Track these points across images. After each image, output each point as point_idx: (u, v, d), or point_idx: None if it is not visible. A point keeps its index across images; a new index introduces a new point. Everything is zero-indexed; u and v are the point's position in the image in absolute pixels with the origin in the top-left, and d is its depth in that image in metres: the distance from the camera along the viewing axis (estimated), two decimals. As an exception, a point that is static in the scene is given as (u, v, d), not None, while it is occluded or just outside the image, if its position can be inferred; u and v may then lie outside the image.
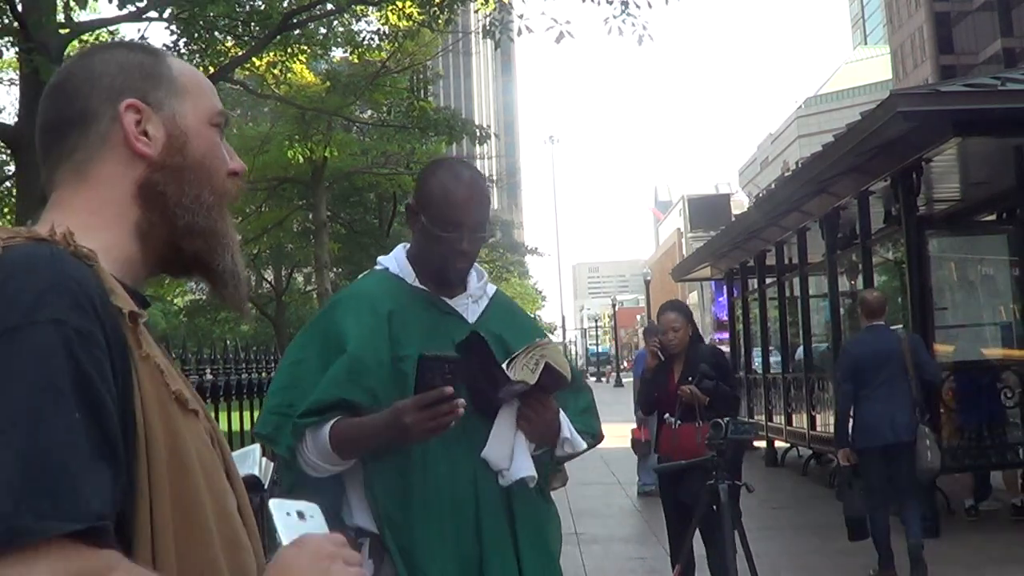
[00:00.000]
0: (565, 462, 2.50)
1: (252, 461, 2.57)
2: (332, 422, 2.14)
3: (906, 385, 6.55)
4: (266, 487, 2.54)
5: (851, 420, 6.59)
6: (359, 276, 2.43)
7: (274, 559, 1.06)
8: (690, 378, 5.47)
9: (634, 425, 10.84)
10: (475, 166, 2.55)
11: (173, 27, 11.80)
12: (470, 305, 2.34)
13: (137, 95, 1.15)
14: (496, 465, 2.21)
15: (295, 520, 1.10)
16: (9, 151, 12.65)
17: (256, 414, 5.47)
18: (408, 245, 2.40)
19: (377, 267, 2.40)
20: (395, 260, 2.37)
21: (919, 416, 6.55)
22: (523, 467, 2.22)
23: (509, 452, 2.21)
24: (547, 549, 2.32)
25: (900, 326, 9.73)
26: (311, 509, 1.12)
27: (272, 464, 2.21)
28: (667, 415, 5.54)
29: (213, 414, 4.00)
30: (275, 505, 1.11)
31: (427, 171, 2.39)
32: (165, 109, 1.16)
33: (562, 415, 2.32)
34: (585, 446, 2.41)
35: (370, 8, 14.11)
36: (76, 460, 0.90)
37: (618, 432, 15.59)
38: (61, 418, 0.90)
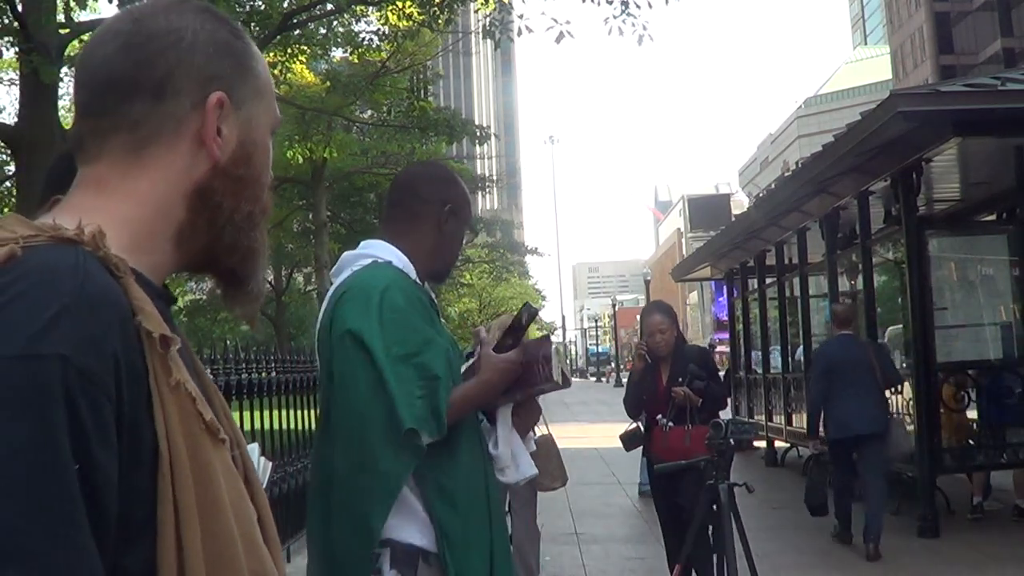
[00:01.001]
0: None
1: (251, 461, 2.57)
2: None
3: (873, 385, 7.52)
4: (265, 487, 2.54)
5: (822, 415, 7.66)
6: (362, 265, 2.35)
7: None
8: (680, 379, 5.47)
9: (632, 425, 10.86)
10: None
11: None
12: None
13: (224, 87, 1.02)
14: (502, 463, 2.30)
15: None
16: (9, 151, 12.65)
17: (256, 414, 5.47)
18: (383, 243, 2.40)
19: (377, 260, 2.36)
20: (394, 255, 2.36)
21: (886, 409, 7.72)
22: (528, 465, 2.34)
23: (511, 451, 2.31)
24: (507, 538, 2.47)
25: (900, 326, 9.75)
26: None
27: (271, 464, 2.20)
28: (659, 416, 5.50)
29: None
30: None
31: (456, 177, 2.54)
32: (244, 111, 1.04)
33: None
34: (534, 449, 2.65)
35: (370, 8, 14.12)
36: (62, 524, 0.79)
37: (618, 432, 15.55)
38: (45, 483, 0.78)
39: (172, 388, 0.90)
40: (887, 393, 7.95)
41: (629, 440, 5.93)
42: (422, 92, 20.70)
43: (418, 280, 2.37)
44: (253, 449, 2.69)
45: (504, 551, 2.28)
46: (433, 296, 2.43)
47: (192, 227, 1.02)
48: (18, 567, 0.76)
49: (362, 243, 2.44)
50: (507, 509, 5.54)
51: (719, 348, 26.95)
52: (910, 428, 8.24)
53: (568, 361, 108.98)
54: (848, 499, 7.65)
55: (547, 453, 5.66)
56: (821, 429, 7.73)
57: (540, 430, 5.92)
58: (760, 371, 14.41)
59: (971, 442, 8.74)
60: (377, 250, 2.38)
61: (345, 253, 2.45)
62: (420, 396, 2.12)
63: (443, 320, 2.44)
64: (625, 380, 10.64)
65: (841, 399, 7.41)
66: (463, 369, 2.33)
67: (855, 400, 7.36)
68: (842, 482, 7.70)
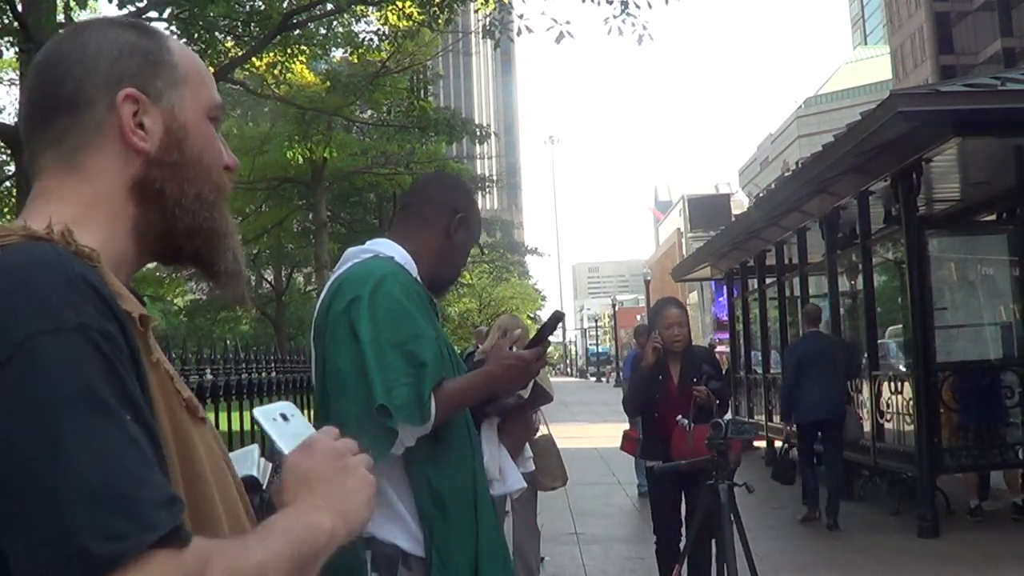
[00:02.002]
0: None
1: (251, 462, 2.56)
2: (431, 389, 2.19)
3: (835, 376, 8.79)
4: (265, 487, 2.54)
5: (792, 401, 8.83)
6: (363, 259, 2.34)
7: (286, 470, 1.06)
8: (694, 379, 5.41)
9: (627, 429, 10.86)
10: None
11: (173, 27, 11.80)
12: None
13: (135, 84, 1.07)
14: (489, 475, 2.31)
15: (282, 424, 1.11)
16: (9, 151, 12.65)
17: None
18: (389, 240, 2.40)
19: (379, 255, 2.36)
20: (396, 252, 2.36)
21: (846, 399, 9.02)
22: (515, 480, 2.36)
23: (497, 464, 2.34)
24: (507, 547, 2.44)
25: (900, 326, 9.75)
26: (289, 408, 1.13)
27: (271, 464, 2.20)
28: (679, 417, 5.33)
29: (213, 414, 4.00)
30: (260, 414, 1.11)
31: (465, 188, 2.56)
32: (164, 101, 1.09)
33: None
34: (533, 468, 2.66)
35: (370, 8, 14.11)
36: (141, 465, 0.86)
37: (618, 432, 15.55)
38: (113, 428, 0.86)
39: (153, 364, 0.96)
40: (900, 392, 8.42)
41: (646, 448, 5.70)
42: (422, 92, 20.68)
43: (419, 279, 2.36)
44: (253, 450, 2.69)
45: (494, 555, 2.26)
46: (433, 298, 2.43)
47: (145, 219, 1.07)
48: (123, 515, 0.83)
49: (368, 241, 2.45)
50: (507, 509, 5.55)
51: (719, 348, 26.97)
52: (909, 428, 8.38)
53: (568, 361, 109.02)
54: (813, 479, 8.76)
55: (547, 453, 5.67)
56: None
57: (540, 430, 5.91)
58: (760, 371, 14.41)
59: (967, 442, 8.74)
60: (381, 247, 2.38)
61: (349, 248, 2.44)
62: (405, 383, 2.12)
63: (442, 321, 2.43)
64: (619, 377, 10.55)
65: (807, 388, 8.59)
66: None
67: (819, 389, 8.55)
68: (806, 459, 8.87)
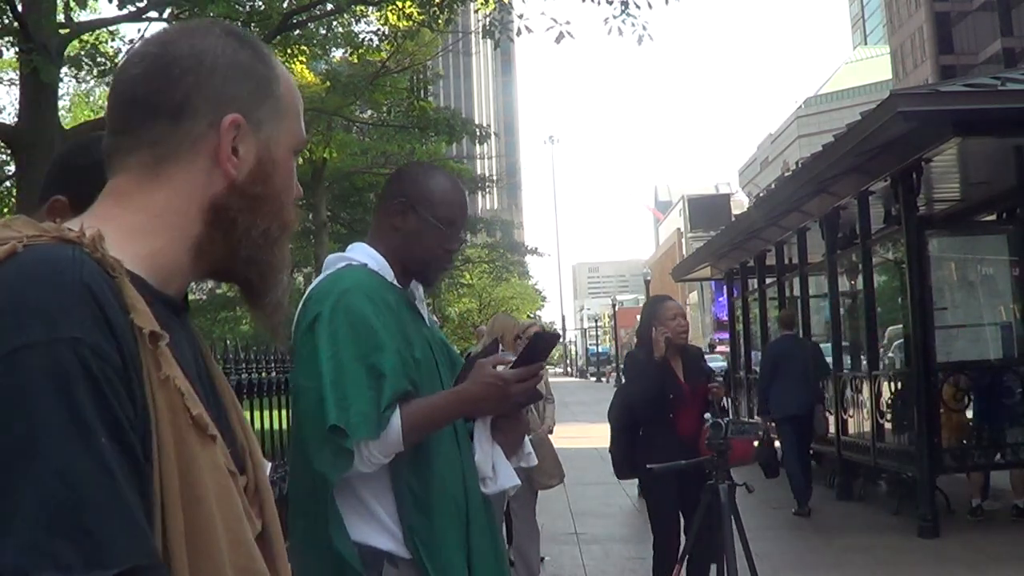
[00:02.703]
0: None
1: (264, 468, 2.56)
2: (398, 409, 2.13)
3: (806, 376, 9.54)
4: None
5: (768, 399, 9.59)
6: (336, 268, 2.33)
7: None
8: (704, 376, 5.35)
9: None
10: None
11: (173, 27, 11.79)
12: (423, 309, 2.39)
13: (241, 109, 1.06)
14: (481, 473, 2.27)
15: None
16: (9, 151, 12.64)
17: (256, 414, 5.47)
18: (362, 244, 2.38)
19: (352, 263, 2.34)
20: (371, 258, 2.33)
21: (815, 398, 9.79)
22: (508, 477, 2.29)
23: (491, 462, 2.27)
24: (502, 550, 2.41)
25: (901, 326, 9.75)
26: None
27: (270, 464, 2.20)
28: (707, 415, 5.06)
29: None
30: None
31: (422, 171, 2.45)
32: (263, 132, 1.09)
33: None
34: (536, 462, 2.54)
35: (370, 8, 14.11)
36: (109, 496, 0.84)
37: (618, 432, 15.36)
38: (88, 452, 0.83)
39: (161, 382, 0.93)
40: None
41: (660, 453, 5.22)
42: (422, 92, 20.70)
43: (397, 283, 2.32)
44: None
45: (487, 556, 2.24)
46: (418, 298, 2.37)
47: (209, 240, 1.06)
48: (74, 544, 0.81)
49: (349, 247, 2.43)
50: (505, 511, 5.55)
51: (719, 348, 26.96)
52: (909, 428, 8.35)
53: (568, 362, 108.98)
54: (799, 475, 9.15)
55: (542, 452, 5.66)
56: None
57: (538, 426, 5.90)
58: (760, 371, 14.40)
59: (967, 441, 8.74)
60: (355, 253, 2.36)
61: (329, 256, 2.43)
62: (363, 398, 2.09)
63: (436, 320, 2.40)
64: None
65: (780, 385, 9.40)
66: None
67: (791, 386, 9.33)
68: (789, 452, 9.29)
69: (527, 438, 2.40)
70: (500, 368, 2.18)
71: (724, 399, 5.38)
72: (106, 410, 0.86)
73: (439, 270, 2.38)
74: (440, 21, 13.64)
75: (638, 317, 6.80)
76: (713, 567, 5.01)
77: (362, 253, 2.35)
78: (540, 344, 2.23)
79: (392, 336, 2.18)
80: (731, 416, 5.17)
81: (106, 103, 1.14)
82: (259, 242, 1.09)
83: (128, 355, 0.90)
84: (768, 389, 9.59)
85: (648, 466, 5.32)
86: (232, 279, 1.14)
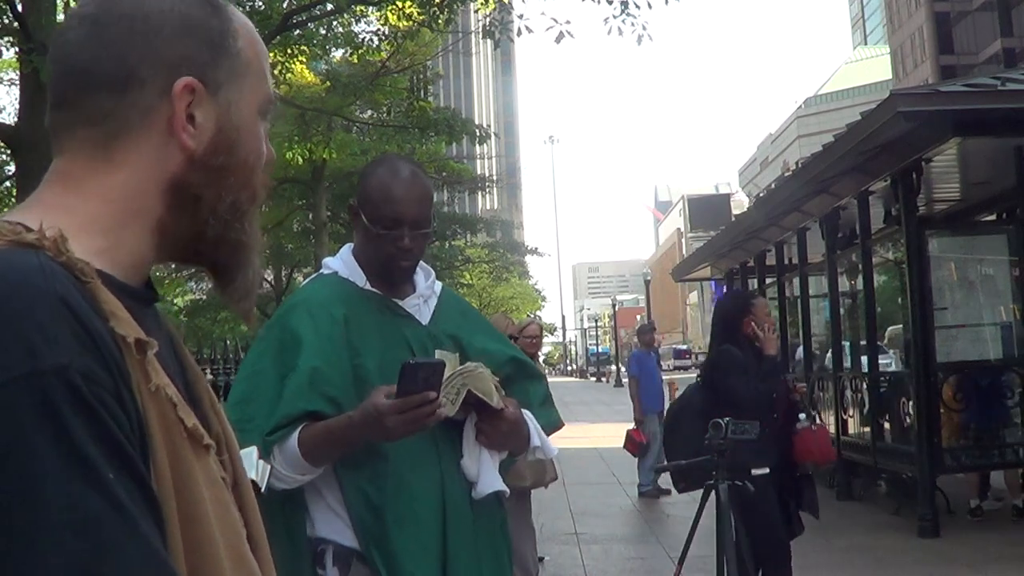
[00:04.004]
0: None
1: (249, 465, 2.56)
2: (298, 430, 2.11)
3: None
4: (264, 489, 2.54)
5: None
6: (306, 280, 2.35)
7: None
8: (784, 374, 5.14)
9: (631, 426, 10.88)
10: (417, 162, 2.46)
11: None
12: (421, 306, 2.32)
13: (196, 71, 0.94)
14: (469, 476, 2.22)
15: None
16: (9, 151, 12.64)
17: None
18: (351, 245, 2.36)
19: (325, 270, 2.35)
20: (343, 263, 2.32)
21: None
22: (490, 482, 2.23)
23: (477, 466, 2.22)
24: (502, 555, 2.32)
25: (900, 326, 9.76)
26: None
27: (269, 467, 2.19)
28: (801, 416, 4.87)
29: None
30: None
31: (367, 168, 2.36)
32: (221, 95, 0.96)
33: (531, 421, 2.33)
34: (556, 452, 2.49)
35: (370, 8, 14.11)
36: (124, 535, 0.75)
37: (618, 432, 15.53)
38: (96, 490, 0.75)
39: (152, 394, 0.85)
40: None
41: (759, 454, 4.75)
42: (422, 92, 20.70)
43: (369, 286, 2.28)
44: (251, 452, 2.70)
45: (470, 563, 2.19)
46: (418, 293, 2.31)
47: (173, 222, 0.96)
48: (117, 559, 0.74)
49: (341, 249, 2.43)
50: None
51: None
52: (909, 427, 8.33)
53: (571, 360, 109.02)
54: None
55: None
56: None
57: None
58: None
59: (966, 441, 8.74)
60: (335, 258, 2.37)
61: (325, 259, 2.44)
62: (263, 416, 2.11)
63: (430, 323, 2.31)
64: (625, 381, 10.48)
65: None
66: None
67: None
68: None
69: (535, 433, 2.32)
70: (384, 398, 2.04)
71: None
72: (108, 441, 0.77)
73: (398, 269, 2.25)
74: (440, 21, 13.63)
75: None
76: (713, 568, 5.00)
77: (336, 260, 2.35)
78: (414, 374, 2.02)
79: (319, 352, 2.14)
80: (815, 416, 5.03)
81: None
82: (226, 217, 0.98)
83: (116, 370, 0.81)
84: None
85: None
86: (199, 262, 1.02)
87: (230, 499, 0.95)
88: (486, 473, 2.23)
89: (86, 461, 0.75)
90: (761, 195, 13.81)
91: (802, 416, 4.90)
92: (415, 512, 2.14)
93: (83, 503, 0.74)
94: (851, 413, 10.15)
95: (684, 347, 78.34)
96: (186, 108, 0.93)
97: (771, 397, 4.88)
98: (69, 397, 0.76)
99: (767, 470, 4.73)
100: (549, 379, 7.73)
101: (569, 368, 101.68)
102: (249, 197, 1.00)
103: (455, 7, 13.49)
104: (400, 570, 2.10)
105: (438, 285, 2.38)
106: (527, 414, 2.32)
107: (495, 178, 37.02)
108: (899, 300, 10.21)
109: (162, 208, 0.95)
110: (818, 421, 5.01)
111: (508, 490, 2.28)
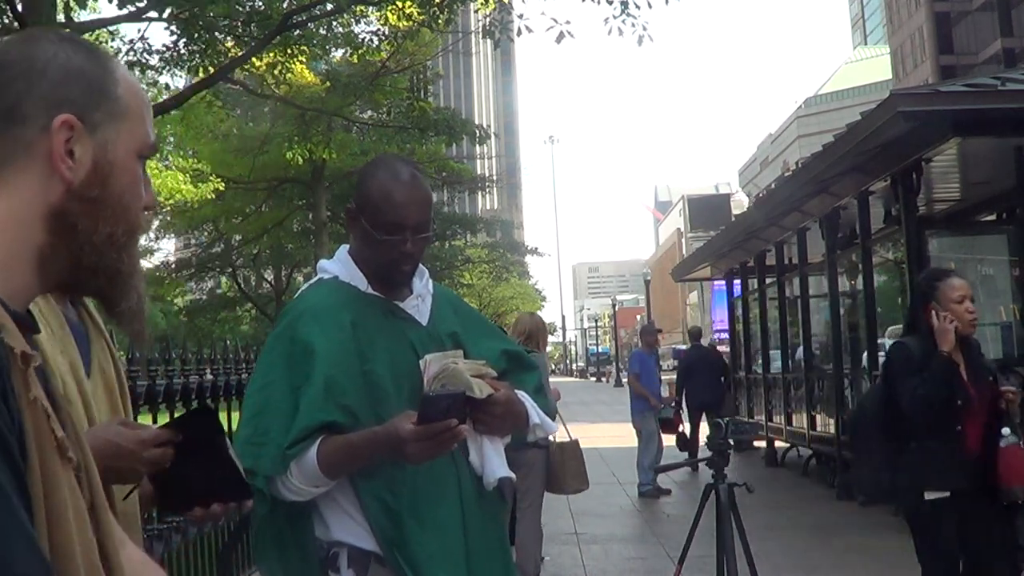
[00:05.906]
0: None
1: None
2: (317, 444, 2.10)
3: (716, 375, 13.68)
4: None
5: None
6: (306, 282, 2.33)
7: None
8: (991, 375, 4.12)
9: (631, 426, 10.87)
10: (415, 163, 2.43)
11: (173, 27, 11.81)
12: (420, 306, 2.31)
13: (75, 111, 1.04)
14: (475, 470, 2.23)
15: None
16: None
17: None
18: (347, 247, 2.34)
19: (324, 275, 2.32)
20: (342, 266, 2.31)
21: (726, 389, 13.92)
22: (495, 470, 2.24)
23: (481, 459, 2.23)
24: (506, 545, 2.37)
25: (900, 326, 9.73)
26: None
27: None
28: (1005, 430, 3.94)
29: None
30: None
31: (366, 171, 2.32)
32: (99, 134, 1.06)
33: (527, 400, 2.31)
34: (556, 428, 2.50)
35: (370, 8, 14.12)
36: (4, 508, 0.83)
37: (618, 432, 15.48)
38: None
39: (30, 403, 0.92)
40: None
41: (939, 474, 3.92)
42: (422, 92, 20.72)
43: (371, 290, 2.27)
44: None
45: (489, 554, 2.21)
46: (416, 295, 2.30)
47: (52, 250, 1.04)
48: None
49: (337, 250, 2.41)
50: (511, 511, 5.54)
51: (719, 348, 27.01)
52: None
53: (568, 360, 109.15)
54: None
55: (574, 457, 5.72)
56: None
57: (560, 435, 5.89)
58: (760, 371, 14.42)
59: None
60: (332, 261, 2.35)
61: (320, 261, 2.42)
62: (277, 430, 2.11)
63: (431, 323, 2.30)
64: (625, 381, 10.37)
65: (694, 384, 13.34)
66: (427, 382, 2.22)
67: (702, 383, 13.26)
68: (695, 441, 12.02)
69: (532, 410, 2.30)
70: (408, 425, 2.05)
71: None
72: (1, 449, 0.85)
73: (400, 273, 2.24)
74: (440, 21, 13.65)
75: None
76: (713, 568, 5.00)
77: (334, 264, 2.33)
78: (436, 404, 2.05)
79: (332, 362, 2.14)
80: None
81: None
82: (102, 249, 1.06)
83: (3, 374, 0.89)
84: (682, 386, 13.44)
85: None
86: (82, 291, 1.11)
87: (86, 514, 1.01)
88: (490, 461, 2.23)
89: None
90: (761, 195, 13.82)
91: (1005, 431, 3.94)
92: (436, 515, 2.15)
93: None
94: (850, 412, 10.15)
95: (684, 347, 78.14)
96: (65, 143, 1.03)
97: (947, 404, 3.94)
98: None
99: (947, 493, 3.91)
100: (549, 379, 7.65)
101: (572, 368, 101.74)
102: (126, 231, 1.09)
103: (455, 7, 13.51)
104: (428, 574, 2.11)
105: (431, 283, 2.38)
106: (522, 393, 2.31)
107: (495, 178, 37.06)
108: (899, 300, 10.20)
109: (43, 235, 1.03)
110: None
111: (514, 476, 2.28)
